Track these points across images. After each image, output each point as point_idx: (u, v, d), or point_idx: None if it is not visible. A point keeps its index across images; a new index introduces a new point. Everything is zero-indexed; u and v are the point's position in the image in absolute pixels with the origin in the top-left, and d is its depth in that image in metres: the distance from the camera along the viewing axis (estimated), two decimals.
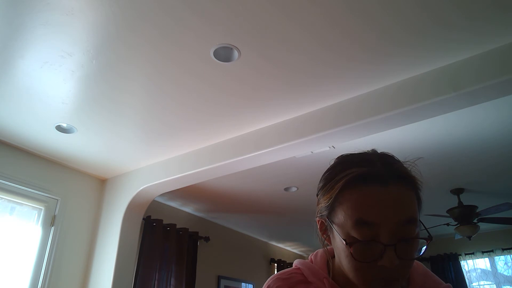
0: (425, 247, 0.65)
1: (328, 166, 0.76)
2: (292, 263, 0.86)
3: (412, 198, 0.66)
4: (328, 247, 0.81)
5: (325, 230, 0.73)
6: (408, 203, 0.65)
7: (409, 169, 0.69)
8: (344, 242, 0.64)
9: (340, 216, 0.67)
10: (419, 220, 0.66)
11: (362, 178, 0.65)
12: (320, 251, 0.83)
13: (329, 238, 0.73)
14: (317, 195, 0.76)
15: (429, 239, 0.64)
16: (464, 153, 3.18)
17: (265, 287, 0.81)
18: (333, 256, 0.80)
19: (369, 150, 0.73)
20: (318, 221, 0.75)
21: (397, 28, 1.82)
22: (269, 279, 0.81)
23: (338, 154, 0.77)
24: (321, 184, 0.75)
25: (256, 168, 3.23)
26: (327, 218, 0.71)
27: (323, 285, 0.75)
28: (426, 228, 0.68)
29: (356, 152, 0.74)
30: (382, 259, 0.61)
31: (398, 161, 0.70)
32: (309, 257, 0.84)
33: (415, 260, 0.80)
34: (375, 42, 1.91)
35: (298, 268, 0.81)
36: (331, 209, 0.69)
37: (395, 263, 0.61)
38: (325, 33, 1.85)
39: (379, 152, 0.72)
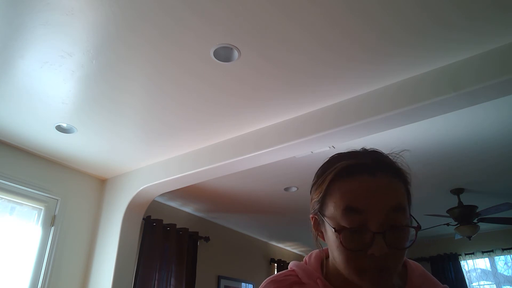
0: (414, 236, 0.65)
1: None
2: None
3: (399, 187, 0.67)
4: (324, 248, 0.82)
5: (318, 226, 0.74)
6: (396, 190, 0.66)
7: (395, 161, 0.71)
8: (333, 230, 0.65)
9: (331, 207, 0.68)
10: (410, 214, 0.67)
11: (350, 169, 0.68)
12: (314, 252, 0.83)
13: (323, 234, 0.74)
14: (310, 192, 0.77)
15: (418, 227, 0.65)
16: (464, 153, 3.18)
17: None
18: (328, 257, 0.80)
19: (359, 149, 0.75)
20: (312, 218, 0.76)
21: (397, 28, 1.82)
22: (263, 282, 0.81)
23: None
24: (313, 181, 0.76)
25: (256, 168, 3.23)
26: (319, 212, 0.72)
27: (316, 286, 0.75)
28: (414, 218, 0.69)
29: (345, 151, 0.76)
30: (371, 247, 0.62)
31: (386, 155, 0.72)
32: (304, 259, 0.84)
33: (414, 262, 0.80)
34: (375, 42, 1.91)
35: (293, 270, 0.81)
36: (322, 203, 0.71)
37: (384, 251, 0.61)
38: (325, 33, 1.85)
39: (368, 148, 0.74)
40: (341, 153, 0.76)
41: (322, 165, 0.77)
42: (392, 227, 0.63)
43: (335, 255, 0.68)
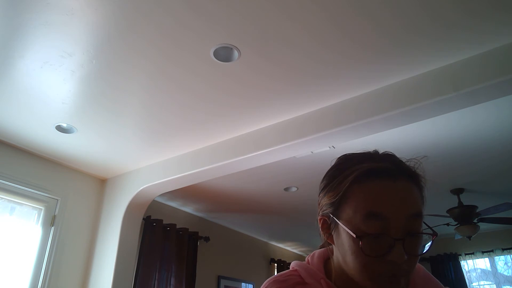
0: (430, 243, 0.65)
1: (330, 166, 0.76)
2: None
3: (417, 194, 0.67)
4: (326, 248, 0.81)
5: (328, 228, 0.73)
6: (415, 198, 0.66)
7: (415, 167, 0.70)
8: (354, 236, 0.64)
9: (349, 210, 0.66)
10: (424, 222, 0.67)
11: (373, 173, 0.66)
12: (316, 252, 0.82)
13: (331, 236, 0.72)
14: (319, 195, 0.76)
15: (434, 235, 0.65)
16: (464, 153, 3.18)
17: None
18: (330, 257, 0.79)
19: (371, 150, 0.74)
20: (320, 219, 0.74)
21: (397, 28, 1.82)
22: (265, 281, 0.79)
23: (338, 154, 0.77)
24: (324, 182, 0.75)
25: (256, 168, 3.23)
26: (332, 215, 0.70)
27: (320, 286, 0.74)
28: (429, 226, 0.69)
29: (358, 152, 0.74)
30: (390, 253, 0.62)
31: (400, 159, 0.71)
32: (306, 258, 0.83)
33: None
34: (375, 42, 1.91)
35: (295, 270, 0.80)
36: (338, 205, 0.69)
37: (403, 258, 0.61)
38: (325, 33, 1.85)
39: (381, 152, 0.73)
40: (354, 154, 0.74)
41: (335, 166, 0.75)
42: (409, 234, 0.63)
43: (350, 260, 0.66)
